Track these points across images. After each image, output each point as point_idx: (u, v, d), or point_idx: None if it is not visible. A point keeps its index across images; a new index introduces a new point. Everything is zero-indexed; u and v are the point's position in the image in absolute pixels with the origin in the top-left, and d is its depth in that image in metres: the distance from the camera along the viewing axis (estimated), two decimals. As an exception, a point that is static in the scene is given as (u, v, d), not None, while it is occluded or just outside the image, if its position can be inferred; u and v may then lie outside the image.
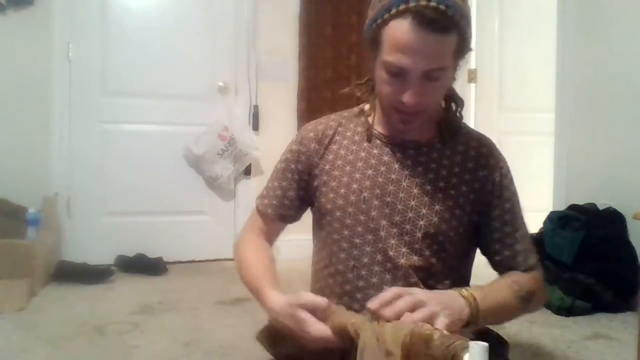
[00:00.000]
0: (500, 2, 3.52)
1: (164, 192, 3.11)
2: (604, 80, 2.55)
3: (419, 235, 1.00)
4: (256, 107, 3.24)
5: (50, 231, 2.71)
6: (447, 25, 0.88)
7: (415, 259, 1.00)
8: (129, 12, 3.04)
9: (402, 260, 1.00)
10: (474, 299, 0.87)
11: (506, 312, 0.98)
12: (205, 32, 3.16)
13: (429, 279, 1.01)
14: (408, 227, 1.00)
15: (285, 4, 3.27)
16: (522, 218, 1.07)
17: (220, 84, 3.18)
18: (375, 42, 0.95)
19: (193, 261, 3.13)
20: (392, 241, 1.01)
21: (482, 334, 1.01)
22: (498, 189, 1.04)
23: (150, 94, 3.09)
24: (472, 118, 3.46)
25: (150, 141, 3.08)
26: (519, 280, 1.00)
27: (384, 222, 1.01)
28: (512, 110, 3.52)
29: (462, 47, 0.94)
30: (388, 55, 0.92)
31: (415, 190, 1.02)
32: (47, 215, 2.68)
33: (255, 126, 3.23)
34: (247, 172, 3.23)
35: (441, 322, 0.78)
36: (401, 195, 1.02)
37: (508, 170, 1.08)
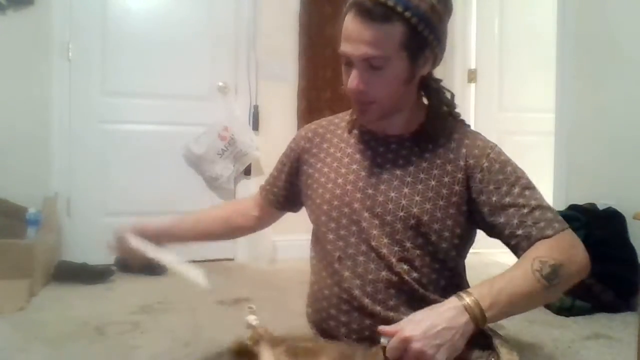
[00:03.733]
0: (500, 2, 3.52)
1: (164, 192, 3.11)
2: (604, 80, 2.55)
3: (399, 226, 1.02)
4: (256, 107, 3.24)
5: (50, 231, 2.71)
6: (385, 15, 0.93)
7: (396, 250, 1.02)
8: (129, 12, 3.05)
9: (384, 251, 1.02)
10: (477, 304, 0.84)
11: (530, 299, 0.91)
12: (205, 32, 3.16)
13: (413, 270, 1.02)
14: (388, 218, 1.03)
15: (285, 4, 3.27)
16: (528, 193, 1.00)
17: (220, 84, 3.18)
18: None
19: (193, 261, 3.12)
20: (374, 232, 1.03)
21: (483, 334, 1.01)
22: (488, 176, 1.01)
23: (150, 94, 3.09)
24: (472, 118, 3.47)
25: (150, 141, 3.08)
26: (541, 256, 0.92)
27: (365, 214, 1.04)
28: (512, 110, 3.51)
29: (412, 39, 0.96)
30: (339, 46, 1.03)
31: (396, 182, 1.04)
32: (47, 215, 2.68)
33: (255, 126, 3.23)
34: (247, 172, 3.23)
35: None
36: (382, 187, 1.05)
37: (498, 154, 1.04)
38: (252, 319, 0.97)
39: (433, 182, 1.03)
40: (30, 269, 2.37)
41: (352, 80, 1.00)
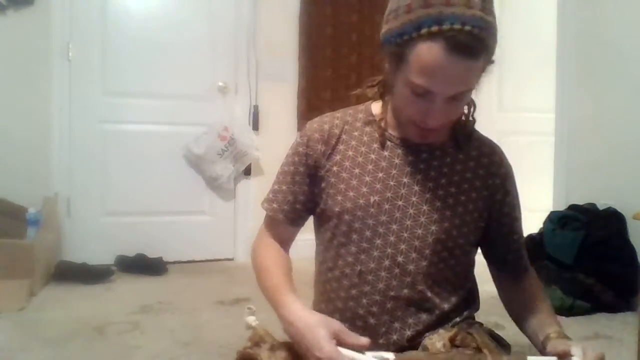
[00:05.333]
0: (500, 2, 3.52)
1: (164, 192, 3.11)
2: (604, 80, 2.55)
3: (430, 240, 0.99)
4: (256, 107, 3.24)
5: (50, 231, 2.70)
6: (480, 50, 0.85)
7: (424, 265, 0.99)
8: (129, 12, 3.05)
9: (411, 267, 0.99)
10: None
11: None
12: (205, 32, 3.16)
13: (436, 285, 1.01)
14: (419, 231, 0.99)
15: (285, 4, 3.27)
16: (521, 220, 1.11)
17: (220, 84, 3.18)
18: (399, 57, 0.89)
19: (193, 261, 3.13)
20: (402, 246, 0.99)
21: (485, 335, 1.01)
22: (510, 198, 1.06)
23: (150, 94, 3.09)
24: (472, 118, 3.47)
25: (150, 141, 3.08)
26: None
27: (394, 227, 0.99)
28: (512, 110, 3.52)
29: (488, 64, 0.91)
30: (415, 77, 0.87)
31: (428, 195, 1.00)
32: (47, 215, 2.68)
33: (255, 126, 3.23)
34: (247, 172, 3.23)
35: None
36: (413, 199, 1.00)
37: (514, 175, 1.09)
38: (252, 319, 0.96)
39: (463, 197, 1.01)
40: (30, 269, 2.37)
41: (435, 119, 0.92)
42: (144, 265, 2.87)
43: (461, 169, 1.03)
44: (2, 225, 2.55)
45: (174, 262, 3.03)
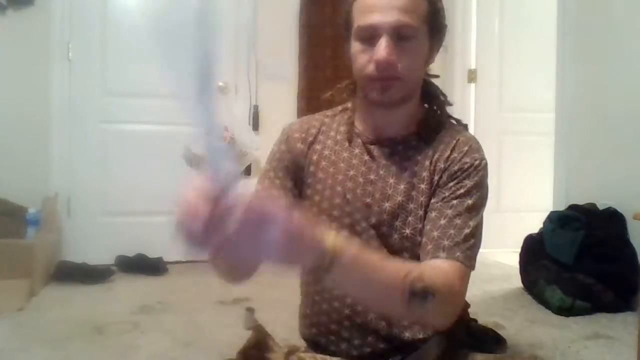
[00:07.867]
0: (500, 2, 3.52)
1: (164, 192, 3.09)
2: (604, 80, 2.55)
3: (395, 236, 0.99)
4: (256, 107, 3.24)
5: (50, 231, 2.71)
6: None
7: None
8: (129, 12, 3.05)
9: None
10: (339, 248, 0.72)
11: (379, 292, 0.80)
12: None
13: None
14: (384, 229, 0.99)
15: (285, 4, 3.28)
16: (466, 219, 0.93)
17: (220, 84, 3.18)
18: (348, 21, 1.00)
19: (193, 261, 3.12)
20: (374, 243, 0.99)
21: (480, 332, 1.01)
22: (460, 174, 0.96)
23: (150, 94, 3.09)
24: (472, 118, 3.45)
25: (150, 141, 3.08)
26: (424, 272, 0.82)
27: (364, 224, 1.00)
28: (512, 110, 3.51)
29: (433, 17, 0.97)
30: (359, 22, 0.96)
31: (390, 191, 1.00)
32: (47, 215, 2.68)
33: (255, 126, 3.23)
34: (247, 172, 3.23)
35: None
36: (377, 196, 1.00)
37: (483, 168, 0.98)
38: (251, 319, 0.96)
39: (423, 186, 0.99)
40: (30, 269, 2.38)
41: (381, 50, 0.92)
42: (144, 265, 2.87)
43: (422, 160, 1.00)
44: (2, 225, 2.55)
45: (174, 262, 3.03)
